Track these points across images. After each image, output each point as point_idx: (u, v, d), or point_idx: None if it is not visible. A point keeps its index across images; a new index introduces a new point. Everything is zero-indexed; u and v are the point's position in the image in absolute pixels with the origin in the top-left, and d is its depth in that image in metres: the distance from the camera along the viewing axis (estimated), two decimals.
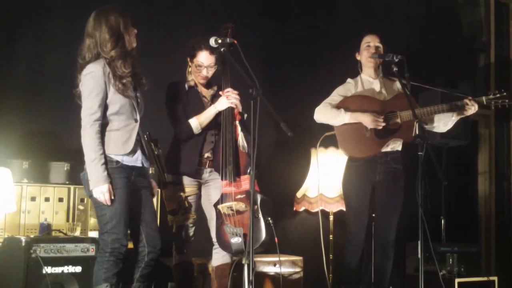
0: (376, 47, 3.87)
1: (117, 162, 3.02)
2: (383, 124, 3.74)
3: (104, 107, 2.99)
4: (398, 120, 3.76)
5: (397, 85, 3.94)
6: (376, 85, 3.91)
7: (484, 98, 3.69)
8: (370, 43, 3.89)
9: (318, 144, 4.74)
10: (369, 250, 3.98)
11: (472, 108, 3.67)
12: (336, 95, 3.90)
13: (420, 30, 6.00)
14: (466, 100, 3.67)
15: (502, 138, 6.46)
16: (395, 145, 3.84)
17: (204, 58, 3.53)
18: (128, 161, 3.06)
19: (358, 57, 3.97)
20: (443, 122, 3.84)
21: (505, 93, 3.67)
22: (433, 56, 6.03)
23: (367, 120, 3.73)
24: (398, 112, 3.76)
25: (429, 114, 3.72)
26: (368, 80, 3.93)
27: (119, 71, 3.00)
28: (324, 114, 3.82)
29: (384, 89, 3.90)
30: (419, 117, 3.47)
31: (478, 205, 6.28)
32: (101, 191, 2.93)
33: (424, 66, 5.63)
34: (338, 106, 3.82)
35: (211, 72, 3.59)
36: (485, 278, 4.83)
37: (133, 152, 3.07)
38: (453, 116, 3.78)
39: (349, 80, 3.98)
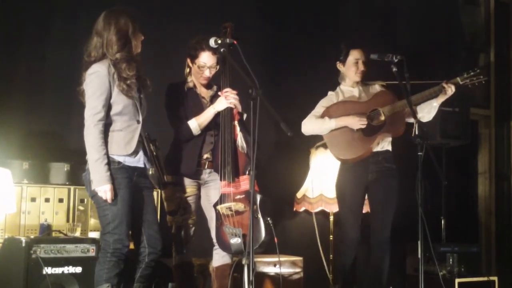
0: (365, 63, 3.87)
1: (119, 162, 3.01)
2: (366, 122, 3.79)
3: (108, 107, 2.99)
4: (382, 117, 3.80)
5: (375, 87, 3.98)
6: (356, 92, 3.97)
7: (459, 79, 3.75)
8: (359, 59, 3.88)
9: (316, 145, 4.75)
10: (366, 250, 3.99)
11: (449, 90, 3.71)
12: (320, 107, 3.97)
13: (420, 29, 5.99)
14: (443, 84, 3.72)
15: (502, 138, 6.45)
16: (385, 144, 3.88)
17: (207, 59, 3.52)
18: (130, 161, 3.06)
19: (341, 68, 3.97)
20: (427, 110, 3.87)
21: (478, 70, 3.72)
22: (433, 56, 6.03)
23: (352, 122, 3.80)
24: (380, 109, 3.80)
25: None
26: (348, 89, 3.99)
27: (124, 73, 2.99)
28: (310, 125, 3.91)
29: (363, 93, 3.95)
30: (407, 104, 3.49)
31: (478, 205, 6.29)
32: (104, 190, 2.93)
33: (424, 65, 5.62)
34: (322, 116, 3.90)
35: (213, 72, 3.57)
36: (485, 278, 4.84)
37: (135, 153, 3.07)
38: (434, 103, 3.82)
39: (330, 92, 4.04)
